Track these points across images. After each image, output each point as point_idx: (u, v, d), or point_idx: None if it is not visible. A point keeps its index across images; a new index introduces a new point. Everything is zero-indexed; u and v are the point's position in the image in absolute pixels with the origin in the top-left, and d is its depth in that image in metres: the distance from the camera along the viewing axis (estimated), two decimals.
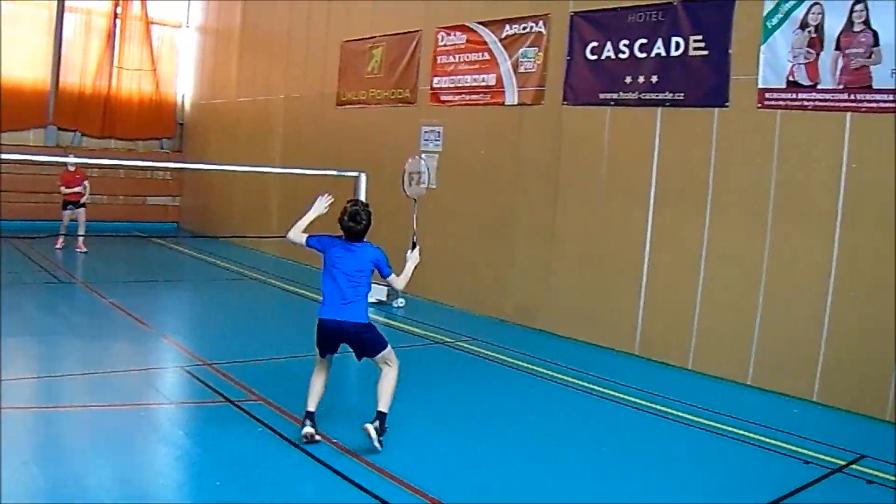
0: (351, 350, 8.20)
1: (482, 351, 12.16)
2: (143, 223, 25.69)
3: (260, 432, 8.18)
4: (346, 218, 8.03)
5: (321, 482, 7.08)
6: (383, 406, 7.89)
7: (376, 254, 8.07)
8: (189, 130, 27.53)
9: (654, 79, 12.27)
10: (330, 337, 8.02)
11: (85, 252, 19.99)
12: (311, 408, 7.96)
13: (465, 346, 12.51)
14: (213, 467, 7.35)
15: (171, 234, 25.44)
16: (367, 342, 8.08)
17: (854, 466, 8.22)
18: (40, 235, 20.43)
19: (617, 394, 10.34)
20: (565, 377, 10.97)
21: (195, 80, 27.39)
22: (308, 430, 7.81)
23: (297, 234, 8.38)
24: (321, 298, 8.02)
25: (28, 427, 8.18)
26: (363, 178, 14.64)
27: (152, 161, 26.03)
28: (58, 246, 20.39)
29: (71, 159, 19.65)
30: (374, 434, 7.66)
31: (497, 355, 11.94)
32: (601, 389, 10.51)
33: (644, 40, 12.44)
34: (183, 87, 27.91)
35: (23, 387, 9.34)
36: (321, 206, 8.81)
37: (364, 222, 8.04)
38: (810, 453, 8.52)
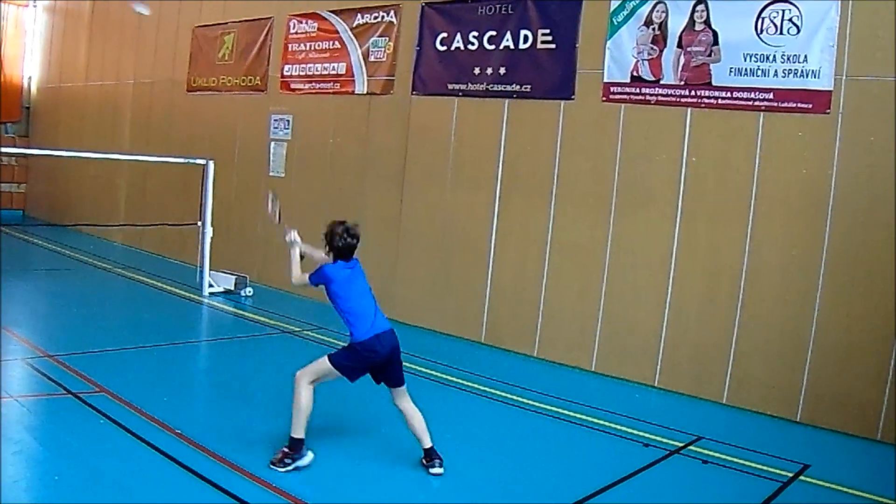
0: None
1: (328, 339, 11.91)
2: None
3: (102, 424, 7.80)
4: (346, 236, 7.44)
5: (164, 473, 6.83)
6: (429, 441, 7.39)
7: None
8: (36, 115, 26.37)
9: (503, 70, 12.22)
10: (387, 353, 7.31)
11: None
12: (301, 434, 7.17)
13: (312, 334, 12.27)
14: (52, 461, 6.97)
15: (16, 222, 24.36)
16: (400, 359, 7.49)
17: (692, 448, 8.41)
18: None
19: (462, 381, 10.32)
20: (411, 365, 10.80)
21: (43, 62, 26.27)
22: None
23: (299, 276, 7.61)
24: (354, 323, 7.34)
25: None
26: (211, 165, 14.27)
27: None
28: None
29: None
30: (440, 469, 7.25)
31: (343, 343, 11.72)
32: (446, 377, 10.46)
33: (493, 32, 12.37)
34: (30, 70, 26.76)
35: None
36: (295, 236, 7.96)
37: (359, 236, 7.54)
38: (650, 436, 8.67)
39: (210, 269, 14.72)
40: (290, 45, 15.73)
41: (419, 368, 10.67)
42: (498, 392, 9.92)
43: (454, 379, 10.40)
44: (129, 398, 8.48)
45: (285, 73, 15.77)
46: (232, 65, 17.20)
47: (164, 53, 19.55)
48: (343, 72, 14.57)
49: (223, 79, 17.43)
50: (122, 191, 20.82)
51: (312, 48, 15.21)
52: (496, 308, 12.29)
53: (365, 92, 14.17)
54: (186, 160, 15.06)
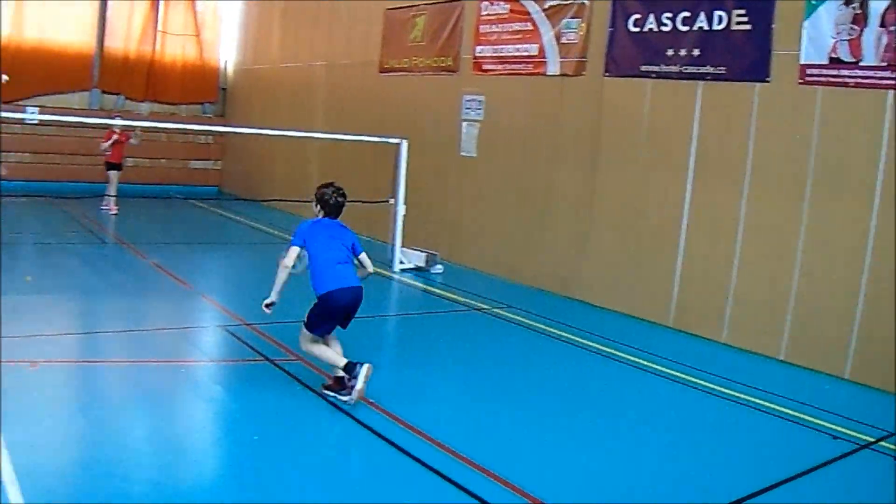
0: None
1: (518, 318, 12.29)
2: (184, 186, 25.93)
3: (299, 390, 8.39)
4: (333, 195, 8.21)
5: (357, 439, 7.33)
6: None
7: (351, 232, 8.38)
8: (232, 95, 27.74)
9: (696, 52, 12.28)
10: (346, 307, 8.18)
11: (115, 213, 20.39)
12: (343, 362, 8.08)
13: (501, 313, 12.65)
14: (250, 423, 7.57)
15: (212, 198, 25.70)
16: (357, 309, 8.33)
17: (883, 443, 8.26)
18: (87, 196, 20.73)
19: (650, 364, 10.46)
20: (599, 346, 11.09)
21: (238, 45, 27.56)
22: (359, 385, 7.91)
23: (286, 260, 8.16)
24: (319, 276, 8.11)
25: (70, 380, 8.48)
26: (404, 145, 14.78)
27: (196, 124, 26.27)
28: (105, 207, 20.70)
29: (117, 122, 19.88)
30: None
31: (533, 323, 12.08)
32: (634, 359, 10.63)
33: (687, 13, 12.44)
34: (226, 53, 28.07)
35: (66, 342, 9.62)
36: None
37: (346, 196, 8.30)
38: (839, 429, 8.57)
39: (401, 247, 15.29)
40: (481, 27, 16.12)
41: (606, 349, 10.93)
42: (684, 376, 10.05)
43: (641, 361, 10.57)
44: (323, 366, 9.03)
45: (477, 55, 16.18)
46: (424, 46, 17.74)
47: (357, 36, 20.28)
48: (535, 53, 14.87)
49: (415, 60, 17.99)
50: (314, 169, 21.68)
51: (504, 30, 15.55)
52: (685, 291, 12.39)
53: (557, 73, 14.44)
54: (381, 139, 15.63)
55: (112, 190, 20.75)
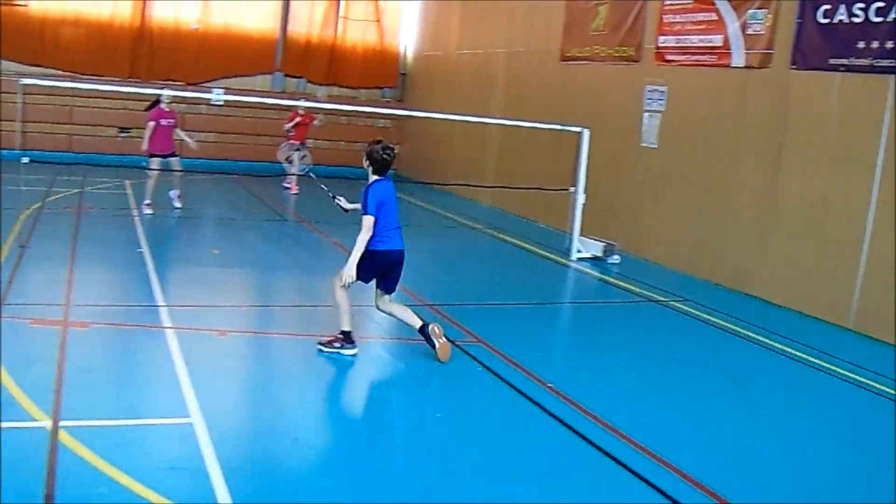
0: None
1: (694, 312, 12.34)
2: (362, 169, 26.49)
3: (480, 372, 8.69)
4: (383, 153, 8.88)
5: (537, 422, 7.59)
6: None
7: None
8: (411, 81, 28.38)
9: (890, 44, 12.02)
10: (393, 264, 9.01)
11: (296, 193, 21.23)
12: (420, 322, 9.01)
13: (678, 305, 12.72)
14: (431, 401, 7.93)
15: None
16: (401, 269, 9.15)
17: None
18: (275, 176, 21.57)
19: (829, 365, 10.34)
20: (776, 344, 11.03)
21: (418, 31, 28.12)
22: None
23: (369, 232, 8.72)
24: (378, 237, 8.72)
25: (254, 350, 9.33)
26: (586, 134, 14.91)
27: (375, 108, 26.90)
28: (287, 186, 21.52)
29: (301, 103, 20.61)
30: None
31: (709, 318, 12.10)
32: (813, 360, 10.52)
33: (881, 3, 12.15)
34: (406, 39, 28.65)
35: (251, 313, 10.24)
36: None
37: (394, 154, 9.10)
38: None
39: (579, 235, 15.45)
40: (664, 17, 16.11)
41: (784, 348, 10.87)
42: (865, 380, 9.86)
43: (818, 362, 10.44)
44: (504, 350, 9.38)
45: (660, 45, 16.19)
46: (606, 35, 17.82)
47: (537, 24, 20.49)
48: (719, 44, 14.79)
49: (596, 49, 18.09)
50: (492, 155, 22.03)
51: (688, 20, 15.51)
52: (868, 294, 12.13)
53: (742, 65, 14.33)
54: (562, 127, 15.80)
55: (294, 170, 21.49)
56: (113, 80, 24.12)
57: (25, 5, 25.90)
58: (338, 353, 8.88)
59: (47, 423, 6.61)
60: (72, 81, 21.16)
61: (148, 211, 16.94)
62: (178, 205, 17.53)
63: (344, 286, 8.83)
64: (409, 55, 28.61)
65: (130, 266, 12.47)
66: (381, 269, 8.95)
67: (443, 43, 26.12)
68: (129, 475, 5.81)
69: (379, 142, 9.00)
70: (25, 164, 13.89)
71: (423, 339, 8.92)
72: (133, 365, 8.45)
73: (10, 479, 5.76)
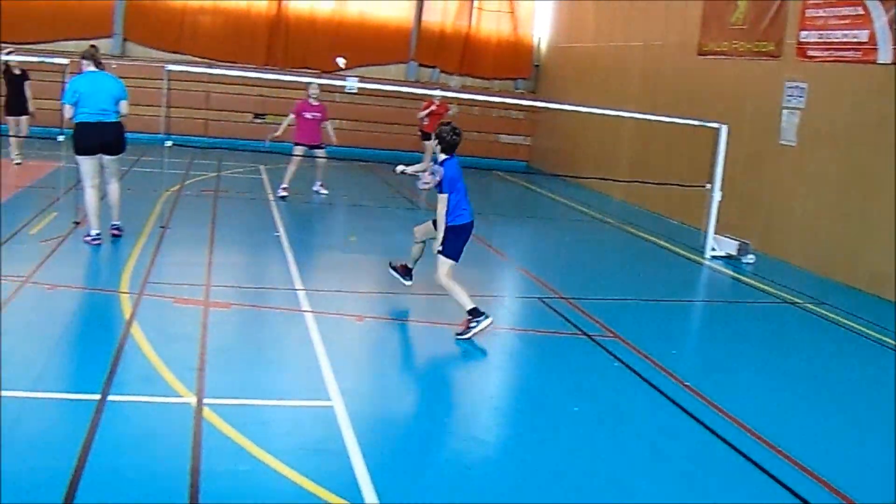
0: None
1: (831, 315, 12.11)
2: (493, 159, 26.69)
3: (616, 367, 8.73)
4: (452, 134, 9.67)
5: (678, 423, 7.59)
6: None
7: None
8: (544, 72, 28.40)
9: None
10: (468, 237, 9.77)
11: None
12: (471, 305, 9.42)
13: (813, 308, 12.50)
14: (568, 394, 7.99)
15: (520, 172, 26.43)
16: None
17: None
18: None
19: None
20: None
21: (552, 23, 28.10)
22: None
23: (443, 212, 9.56)
24: (455, 212, 9.50)
25: (391, 336, 9.63)
26: (724, 130, 14.77)
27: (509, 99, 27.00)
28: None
29: (436, 93, 20.84)
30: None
31: (845, 321, 11.87)
32: None
33: None
34: (540, 30, 28.66)
35: (386, 299, 10.46)
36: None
37: (461, 135, 9.82)
38: None
39: (713, 233, 15.31)
40: (807, 11, 15.82)
41: None
42: None
43: None
44: (640, 346, 9.40)
45: (801, 40, 15.90)
46: (745, 30, 17.58)
47: (674, 17, 20.34)
48: (865, 39, 14.46)
49: (735, 44, 17.87)
50: (625, 149, 21.94)
51: (832, 14, 15.21)
52: None
53: (889, 61, 13.99)
54: (700, 123, 15.66)
55: (427, 159, 21.67)
56: (249, 67, 24.73)
57: None
58: (474, 333, 9.20)
59: (192, 400, 6.89)
60: (209, 68, 21.80)
61: (283, 194, 17.49)
62: (324, 191, 18.11)
63: (447, 273, 9.49)
64: (543, 47, 28.61)
65: (268, 249, 12.89)
66: (464, 241, 9.72)
67: (577, 35, 26.06)
68: (271, 454, 6.04)
69: (448, 123, 9.93)
70: (169, 147, 14.35)
71: (469, 318, 9.31)
72: (273, 347, 8.75)
73: (158, 450, 6.08)
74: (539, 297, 11.23)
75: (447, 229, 9.52)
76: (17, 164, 18.81)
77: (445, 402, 7.79)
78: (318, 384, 7.48)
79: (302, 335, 8.80)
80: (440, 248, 9.53)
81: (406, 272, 10.71)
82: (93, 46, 12.57)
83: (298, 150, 17.87)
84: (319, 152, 18.05)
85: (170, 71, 14.71)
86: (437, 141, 9.72)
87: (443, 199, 9.45)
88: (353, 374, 8.04)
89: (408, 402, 7.65)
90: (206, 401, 6.88)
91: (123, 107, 12.07)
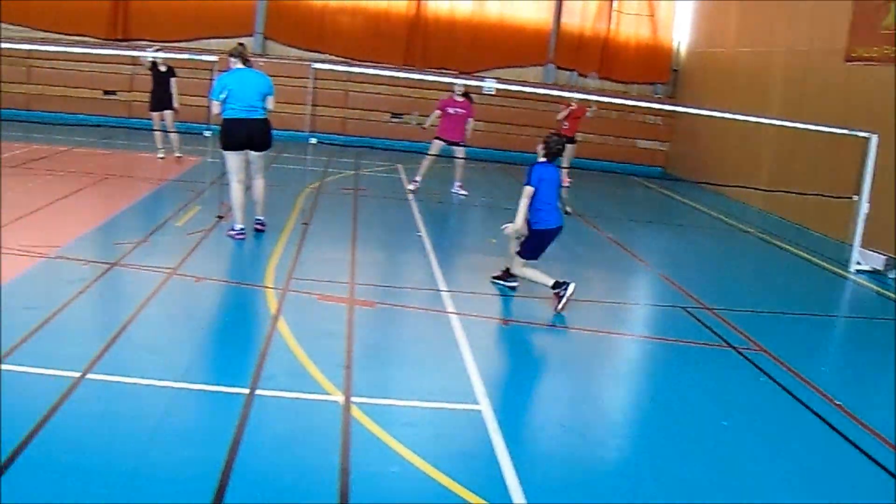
0: None
1: None
2: (629, 165, 26.43)
3: (763, 382, 8.48)
4: (558, 145, 10.37)
5: (828, 442, 7.29)
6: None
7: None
8: (683, 77, 27.94)
9: None
10: (551, 240, 10.36)
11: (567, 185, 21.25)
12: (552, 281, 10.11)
13: None
14: (718, 407, 7.77)
15: (656, 178, 26.07)
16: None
17: None
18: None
19: None
20: None
21: (692, 26, 27.64)
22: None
23: (525, 204, 10.21)
24: (539, 213, 10.09)
25: (540, 343, 9.56)
26: (874, 139, 14.30)
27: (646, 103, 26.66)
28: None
29: (574, 96, 20.67)
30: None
31: None
32: None
33: None
34: (680, 34, 28.22)
35: (532, 304, 10.39)
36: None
37: (564, 145, 10.70)
38: None
39: (860, 247, 14.81)
40: None
41: None
42: None
43: None
44: (787, 360, 9.11)
45: None
46: None
47: (821, 22, 19.76)
48: None
49: (886, 49, 17.27)
50: (766, 158, 21.42)
51: None
52: None
53: None
54: (847, 132, 15.18)
55: (565, 162, 21.53)
56: (388, 66, 24.91)
57: None
58: (566, 301, 9.94)
59: (339, 398, 6.90)
60: (348, 66, 22.04)
61: (410, 187, 17.83)
62: (463, 192, 18.17)
63: (525, 264, 10.32)
64: (682, 51, 28.16)
65: (410, 249, 12.95)
66: (545, 245, 10.37)
67: (718, 40, 25.56)
68: (420, 456, 6.02)
69: (555, 134, 10.67)
70: (313, 144, 14.51)
71: (556, 291, 10.00)
72: (419, 347, 8.76)
73: (307, 447, 6.12)
74: (682, 307, 10.99)
75: (531, 233, 10.19)
76: (160, 157, 19.30)
77: (591, 408, 7.65)
78: (465, 387, 7.44)
79: (447, 336, 8.77)
80: (518, 250, 10.32)
81: (509, 276, 10.88)
82: (241, 44, 12.77)
83: (436, 144, 18.05)
84: (458, 150, 18.12)
85: (316, 69, 14.88)
86: (543, 147, 10.34)
87: (526, 191, 10.09)
88: (500, 377, 8.03)
89: (555, 408, 7.54)
90: (353, 399, 6.90)
91: (270, 103, 12.22)
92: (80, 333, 8.22)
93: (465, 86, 18.30)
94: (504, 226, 10.35)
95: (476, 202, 18.02)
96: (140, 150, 20.78)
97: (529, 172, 10.16)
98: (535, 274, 10.24)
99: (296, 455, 6.01)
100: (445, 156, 18.04)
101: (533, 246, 10.27)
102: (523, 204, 10.07)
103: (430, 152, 18.04)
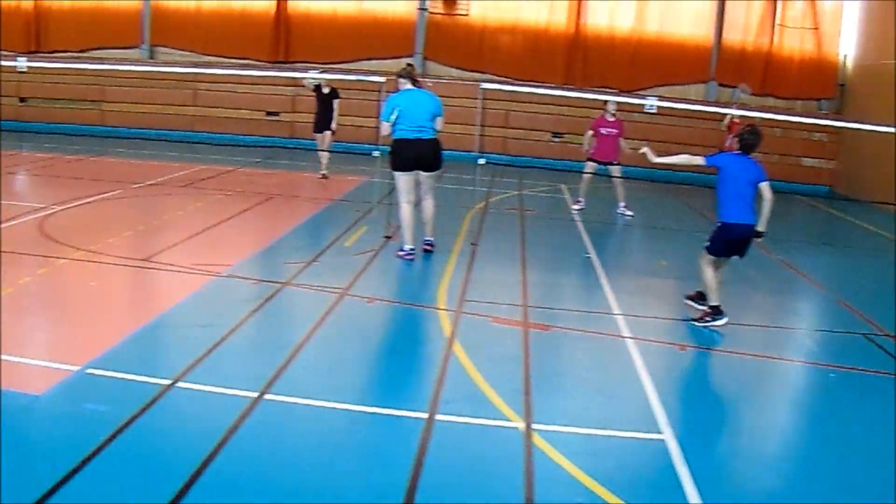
0: None
1: None
2: (793, 183, 25.68)
3: None
4: (751, 134, 9.89)
5: None
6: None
7: (759, 167, 9.93)
8: (850, 92, 27.00)
9: None
10: (738, 240, 9.85)
11: None
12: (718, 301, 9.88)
13: None
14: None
15: (822, 196, 25.27)
16: (750, 244, 10.00)
17: None
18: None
19: None
20: None
21: (859, 38, 26.68)
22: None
23: (684, 158, 10.39)
24: (725, 206, 9.81)
25: (714, 367, 9.31)
26: None
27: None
28: None
29: (733, 111, 20.30)
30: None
31: None
32: None
33: None
34: (846, 47, 27.30)
35: (704, 328, 9.98)
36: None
37: (761, 136, 10.00)
38: None
39: None
40: None
41: None
42: None
43: None
44: None
45: None
46: None
47: None
48: None
49: None
50: None
51: None
52: None
53: None
54: None
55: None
56: (548, 85, 24.85)
57: (466, 14, 27.26)
58: (708, 327, 9.79)
59: (520, 425, 6.81)
60: (512, 86, 22.02)
61: (575, 207, 17.91)
62: (629, 213, 18.01)
63: (709, 264, 9.97)
64: (850, 64, 27.23)
65: (580, 271, 12.86)
66: (731, 244, 9.93)
67: (888, 53, 24.59)
68: (606, 487, 5.88)
69: (751, 126, 10.36)
70: (482, 165, 14.53)
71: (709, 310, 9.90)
72: (597, 373, 8.62)
73: (489, 475, 6.04)
74: (863, 334, 10.52)
75: (718, 225, 9.96)
76: (322, 177, 19.61)
77: (777, 440, 7.38)
78: (646, 415, 7.27)
79: (625, 362, 8.62)
80: (706, 244, 10.07)
81: (701, 297, 10.46)
82: (409, 64, 12.89)
83: (590, 165, 18.10)
84: (614, 169, 18.05)
85: (484, 89, 14.88)
86: (737, 139, 10.14)
87: (697, 159, 10.26)
88: (680, 405, 7.81)
89: (740, 439, 7.31)
90: (534, 426, 6.79)
91: (439, 123, 12.27)
92: (255, 352, 8.40)
93: (620, 104, 18.21)
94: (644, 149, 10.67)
95: (642, 223, 17.75)
96: (302, 170, 21.23)
97: (716, 155, 10.20)
98: (708, 277, 9.95)
99: (479, 483, 5.94)
100: (602, 175, 17.90)
101: (717, 240, 9.97)
102: (684, 157, 10.38)
103: (584, 173, 18.12)
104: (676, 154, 10.48)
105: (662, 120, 25.26)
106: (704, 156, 10.05)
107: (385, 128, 12.19)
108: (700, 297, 10.32)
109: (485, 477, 6.01)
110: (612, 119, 17.87)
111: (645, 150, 10.63)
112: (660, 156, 10.44)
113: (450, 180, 19.14)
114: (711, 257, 10.01)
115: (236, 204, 15.88)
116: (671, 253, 14.88)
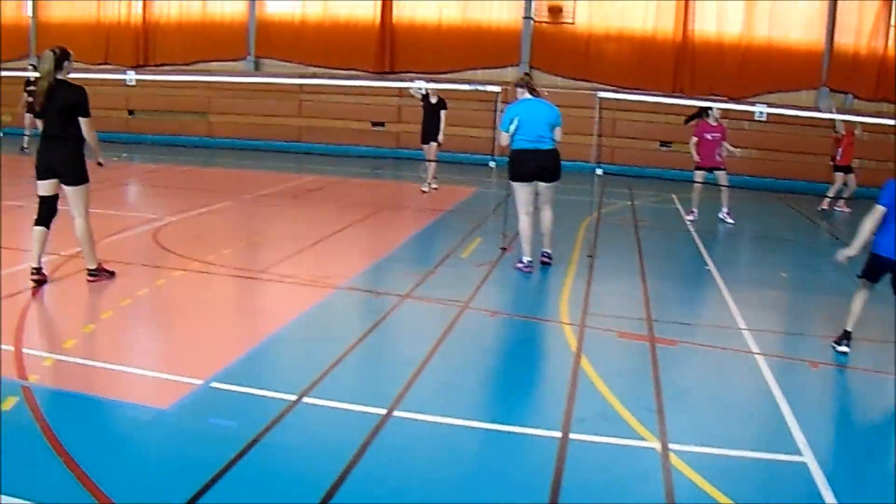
0: None
1: None
2: None
3: None
4: None
5: None
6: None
7: None
8: None
9: None
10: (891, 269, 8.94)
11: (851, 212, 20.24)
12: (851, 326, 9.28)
13: None
14: None
15: None
16: None
17: None
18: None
19: None
20: None
21: None
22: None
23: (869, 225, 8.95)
24: (883, 234, 8.80)
25: (851, 386, 8.85)
26: None
27: None
28: (825, 208, 20.67)
29: (837, 116, 19.85)
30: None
31: None
32: None
33: None
34: None
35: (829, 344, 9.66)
36: None
37: None
38: None
39: None
40: None
41: None
42: None
43: None
44: None
45: None
46: None
47: None
48: None
49: None
50: None
51: None
52: None
53: None
54: None
55: (832, 192, 20.70)
56: (655, 93, 24.57)
57: (572, 22, 27.13)
58: (839, 351, 9.25)
59: (656, 445, 6.63)
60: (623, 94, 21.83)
61: (689, 218, 17.70)
62: (730, 220, 17.65)
63: (862, 284, 9.25)
64: None
65: (701, 283, 12.59)
66: (877, 275, 9.14)
67: None
68: None
69: None
70: (600, 175, 14.41)
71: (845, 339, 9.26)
72: (728, 390, 8.35)
73: (630, 500, 5.84)
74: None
75: (870, 256, 9.10)
76: (433, 188, 19.62)
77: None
78: (784, 436, 7.00)
79: (756, 379, 8.36)
80: (859, 273, 9.26)
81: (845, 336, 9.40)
82: (527, 74, 12.87)
83: (699, 174, 17.93)
84: (721, 175, 17.78)
85: (601, 98, 14.73)
86: None
87: (876, 210, 8.88)
88: (820, 425, 7.46)
89: (889, 464, 6.93)
90: (670, 446, 6.61)
91: (558, 133, 12.14)
92: (380, 367, 8.32)
93: (728, 111, 17.99)
94: (838, 253, 9.21)
95: (756, 233, 17.44)
96: (410, 181, 21.28)
97: (883, 189, 8.90)
98: (856, 303, 9.24)
99: None
100: (711, 183, 17.65)
101: (871, 270, 9.13)
102: (867, 225, 8.88)
103: (694, 182, 17.95)
104: (859, 229, 9.03)
105: (772, 128, 24.81)
106: (876, 202, 8.87)
107: (504, 138, 12.08)
108: (845, 337, 9.32)
109: (625, 499, 5.84)
110: (714, 124, 17.68)
111: (838, 257, 9.20)
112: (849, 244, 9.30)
113: (562, 190, 18.99)
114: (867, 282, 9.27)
115: (346, 215, 15.97)
116: (789, 264, 14.49)
